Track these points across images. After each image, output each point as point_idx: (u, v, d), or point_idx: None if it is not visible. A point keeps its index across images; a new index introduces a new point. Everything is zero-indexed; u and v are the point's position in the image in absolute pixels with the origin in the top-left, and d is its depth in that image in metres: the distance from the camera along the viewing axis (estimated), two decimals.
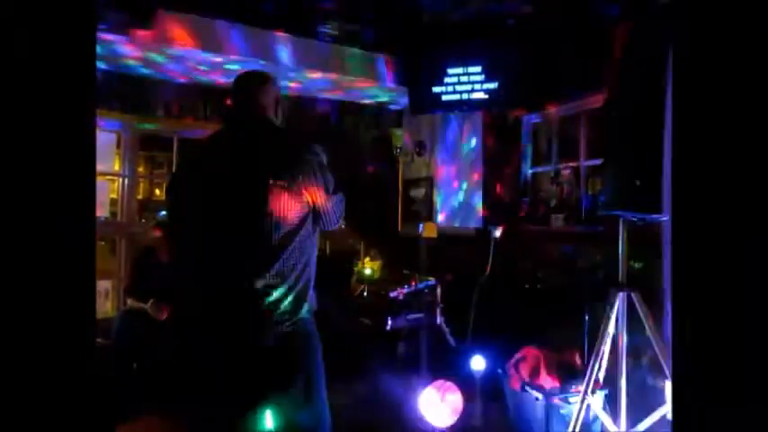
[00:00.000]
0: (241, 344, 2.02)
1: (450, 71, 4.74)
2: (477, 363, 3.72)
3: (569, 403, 3.30)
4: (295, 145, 2.10)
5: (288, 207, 2.00)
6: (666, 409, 2.77)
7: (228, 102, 2.24)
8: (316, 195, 2.07)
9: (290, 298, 2.01)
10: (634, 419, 2.87)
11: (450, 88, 4.75)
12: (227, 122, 2.22)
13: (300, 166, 2.03)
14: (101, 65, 4.48)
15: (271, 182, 1.98)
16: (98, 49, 4.09)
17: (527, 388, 3.50)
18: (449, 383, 3.52)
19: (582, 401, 2.82)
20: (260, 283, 1.97)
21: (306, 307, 2.08)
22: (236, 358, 2.02)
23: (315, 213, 2.10)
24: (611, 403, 3.09)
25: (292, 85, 5.07)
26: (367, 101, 5.69)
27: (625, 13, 3.72)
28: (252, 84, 2.20)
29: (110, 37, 3.92)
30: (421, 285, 4.24)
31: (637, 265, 3.31)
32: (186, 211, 2.12)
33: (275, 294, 1.99)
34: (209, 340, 2.05)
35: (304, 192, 2.03)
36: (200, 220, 2.06)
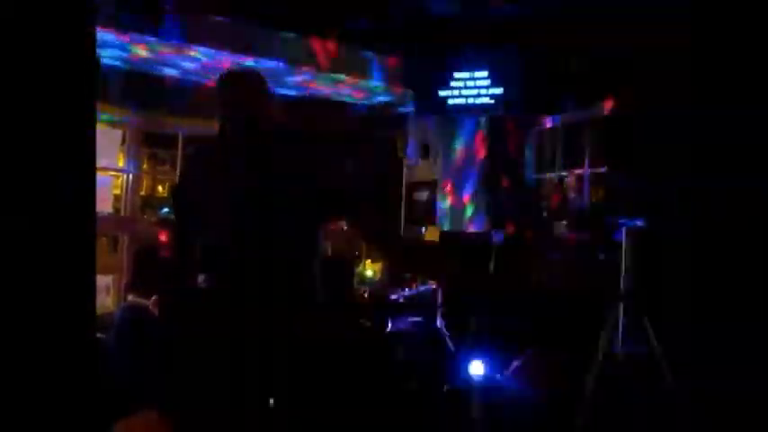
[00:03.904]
0: (251, 341, 2.02)
1: (456, 75, 4.74)
2: (477, 368, 3.70)
3: (567, 410, 3.29)
4: (302, 145, 2.10)
5: (297, 208, 2.00)
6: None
7: (217, 100, 2.19)
8: (323, 196, 2.06)
9: (297, 299, 2.02)
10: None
11: (456, 92, 4.75)
12: (231, 123, 2.19)
13: (308, 167, 2.03)
14: (108, 62, 4.49)
15: (278, 183, 1.98)
16: (106, 46, 4.11)
17: (526, 394, 3.49)
18: (448, 388, 3.51)
19: (581, 408, 2.81)
20: (269, 283, 1.97)
21: (314, 307, 2.08)
22: (245, 355, 2.02)
23: (321, 215, 2.10)
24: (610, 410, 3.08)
25: (298, 85, 5.07)
26: (373, 103, 5.69)
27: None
28: (248, 82, 2.17)
29: (117, 35, 3.93)
30: (422, 289, 4.23)
31: (639, 273, 3.29)
32: (195, 213, 2.12)
33: (283, 295, 1.99)
34: (222, 338, 2.06)
35: (312, 192, 2.03)
36: (209, 222, 2.06)
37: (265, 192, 1.98)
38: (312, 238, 2.07)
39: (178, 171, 5.30)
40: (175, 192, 2.25)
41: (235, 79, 2.21)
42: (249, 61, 4.41)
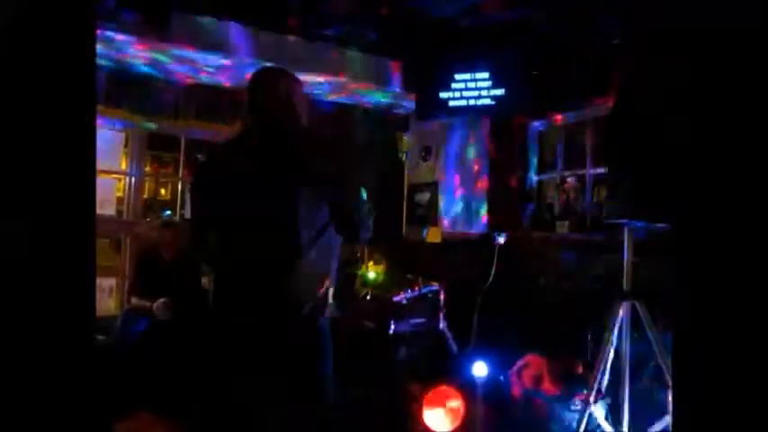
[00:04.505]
0: (261, 342, 2.01)
1: (457, 77, 4.74)
2: (480, 369, 3.70)
3: (571, 411, 3.28)
4: (322, 146, 2.08)
5: (313, 209, 1.98)
6: (670, 420, 2.75)
7: (247, 99, 2.16)
8: (341, 198, 2.03)
9: (311, 300, 2.00)
10: (637, 429, 2.85)
11: (457, 94, 4.75)
12: (251, 121, 2.16)
13: (326, 168, 2.00)
14: (111, 65, 4.50)
15: (296, 183, 1.96)
16: (108, 49, 4.12)
17: (529, 395, 3.48)
18: (450, 389, 3.51)
19: (584, 410, 2.80)
20: (283, 284, 1.96)
21: (327, 310, 2.07)
22: (254, 356, 2.01)
23: (339, 219, 2.05)
24: (614, 412, 3.07)
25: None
26: (374, 105, 5.69)
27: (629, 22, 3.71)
28: (275, 80, 2.15)
29: (120, 37, 3.94)
30: (424, 290, 4.23)
31: (641, 274, 3.29)
32: (211, 210, 2.10)
33: (297, 295, 1.98)
34: (231, 337, 2.05)
35: (329, 194, 2.01)
36: (225, 220, 2.05)
37: (281, 194, 1.97)
38: (327, 241, 2.03)
39: (180, 171, 5.33)
40: (193, 188, 2.23)
41: (260, 76, 2.18)
42: (251, 65, 4.42)
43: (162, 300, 3.97)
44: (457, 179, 5.43)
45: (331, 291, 2.10)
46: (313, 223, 1.98)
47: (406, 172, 6.03)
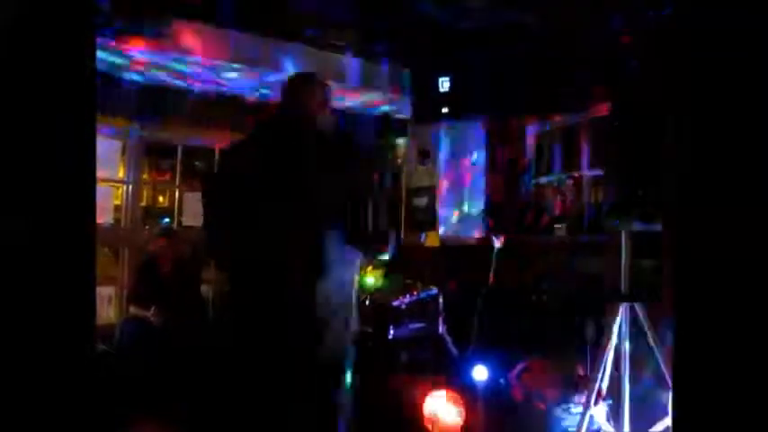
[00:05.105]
0: (277, 344, 2.00)
1: (454, 80, 4.74)
2: (480, 372, 3.69)
3: (572, 414, 3.28)
4: (338, 150, 2.09)
5: (317, 212, 1.98)
6: (670, 421, 2.74)
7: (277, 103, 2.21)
8: (344, 200, 2.04)
9: (328, 302, 2.00)
10: (637, 431, 2.85)
11: (454, 97, 4.75)
12: (268, 123, 2.21)
13: (329, 169, 2.01)
14: (108, 72, 4.50)
15: (295, 184, 1.96)
16: (105, 56, 4.12)
17: (530, 398, 3.48)
18: (451, 393, 3.50)
19: (585, 413, 2.80)
20: (297, 286, 1.96)
21: (342, 312, 2.07)
22: (270, 359, 2.01)
23: (352, 226, 2.05)
24: (615, 414, 3.07)
25: None
26: (371, 110, 5.69)
27: (629, 24, 3.73)
28: (298, 85, 2.20)
29: (117, 45, 3.94)
30: (423, 294, 4.23)
31: (640, 275, 3.29)
32: (225, 212, 2.11)
33: (317, 296, 1.98)
34: (247, 341, 2.04)
35: (343, 196, 2.01)
36: (238, 222, 2.05)
37: (281, 196, 1.97)
38: (338, 243, 2.03)
39: (178, 179, 5.32)
40: (206, 191, 2.24)
41: (288, 81, 2.22)
42: (252, 72, 4.42)
43: (156, 306, 3.96)
44: (454, 183, 5.43)
45: (353, 296, 2.10)
46: (318, 226, 1.98)
47: (403, 176, 6.03)
